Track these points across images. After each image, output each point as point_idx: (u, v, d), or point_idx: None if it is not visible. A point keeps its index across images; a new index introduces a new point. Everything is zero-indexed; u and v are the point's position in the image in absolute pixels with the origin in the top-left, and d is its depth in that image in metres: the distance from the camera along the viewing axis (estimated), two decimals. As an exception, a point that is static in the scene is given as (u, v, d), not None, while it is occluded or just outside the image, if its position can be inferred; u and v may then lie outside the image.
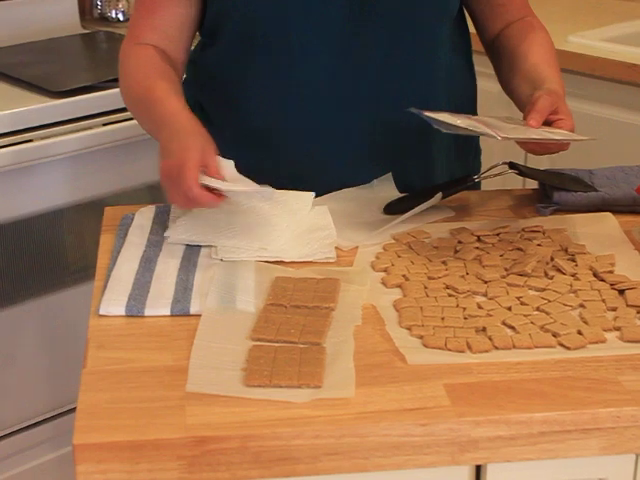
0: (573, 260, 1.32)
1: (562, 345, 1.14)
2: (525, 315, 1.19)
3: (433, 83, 1.54)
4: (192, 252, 1.33)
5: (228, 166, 1.32)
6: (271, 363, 1.09)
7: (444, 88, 1.56)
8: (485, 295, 1.24)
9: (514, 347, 1.13)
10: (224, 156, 1.33)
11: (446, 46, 1.55)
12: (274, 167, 1.51)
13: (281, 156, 1.52)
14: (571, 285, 1.26)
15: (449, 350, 1.13)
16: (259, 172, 1.36)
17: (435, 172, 1.58)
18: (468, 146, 1.66)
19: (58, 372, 2.17)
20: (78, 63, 2.45)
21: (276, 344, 1.13)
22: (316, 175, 1.50)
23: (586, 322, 1.18)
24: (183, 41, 1.53)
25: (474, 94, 1.66)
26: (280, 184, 1.41)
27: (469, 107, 1.63)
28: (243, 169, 1.33)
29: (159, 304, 1.21)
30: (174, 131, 1.33)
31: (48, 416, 2.20)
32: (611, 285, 1.26)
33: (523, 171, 1.49)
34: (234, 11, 1.47)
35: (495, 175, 1.50)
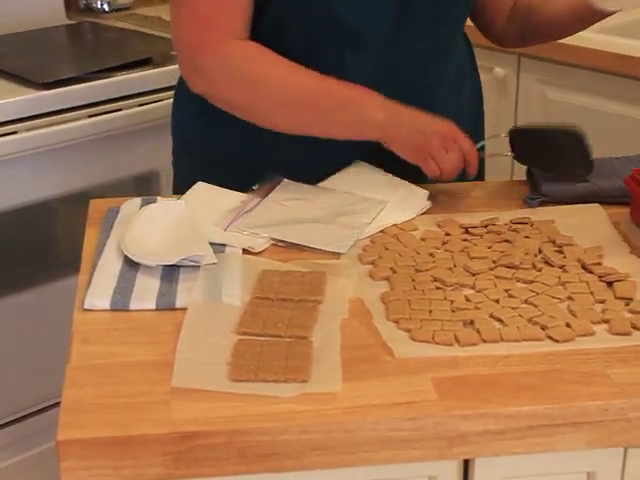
0: (561, 252, 1.31)
1: (550, 338, 1.13)
2: (513, 308, 1.19)
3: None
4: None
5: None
6: (257, 357, 1.08)
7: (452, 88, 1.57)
8: (473, 288, 1.23)
9: (502, 340, 1.13)
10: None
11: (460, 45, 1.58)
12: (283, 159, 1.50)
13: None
14: (559, 277, 1.25)
15: (437, 343, 1.12)
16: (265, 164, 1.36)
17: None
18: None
19: (44, 366, 2.16)
20: (63, 54, 2.43)
21: (262, 338, 1.12)
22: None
23: (574, 315, 1.17)
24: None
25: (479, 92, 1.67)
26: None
27: (475, 105, 1.65)
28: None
29: (144, 298, 1.20)
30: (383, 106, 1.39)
31: (33, 410, 2.20)
32: (599, 277, 1.25)
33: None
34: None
35: (491, 156, 1.54)
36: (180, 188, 1.56)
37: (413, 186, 1.45)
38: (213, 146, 1.56)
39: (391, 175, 1.47)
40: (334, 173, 1.48)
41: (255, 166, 1.49)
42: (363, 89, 1.41)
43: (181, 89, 1.58)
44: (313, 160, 1.48)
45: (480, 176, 1.56)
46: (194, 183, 1.47)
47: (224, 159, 1.53)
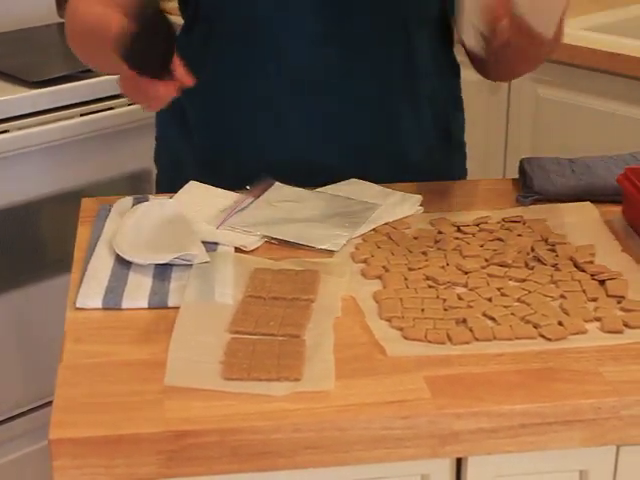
0: (553, 250, 1.31)
1: (543, 336, 1.13)
2: (505, 306, 1.19)
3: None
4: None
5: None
6: (250, 356, 1.08)
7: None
8: (465, 286, 1.23)
9: (495, 338, 1.13)
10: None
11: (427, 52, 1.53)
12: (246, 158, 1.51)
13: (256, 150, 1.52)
14: (552, 276, 1.25)
15: (429, 342, 1.12)
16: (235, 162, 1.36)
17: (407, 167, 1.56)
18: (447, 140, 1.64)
19: (36, 364, 2.16)
20: (55, 53, 2.43)
21: (255, 337, 1.12)
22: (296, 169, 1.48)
23: (567, 313, 1.18)
24: None
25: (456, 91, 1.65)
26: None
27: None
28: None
29: (137, 296, 1.20)
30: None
31: (28, 408, 2.19)
32: (592, 275, 1.25)
33: None
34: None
35: None
36: (160, 182, 1.58)
37: (406, 194, 1.45)
38: (179, 139, 1.58)
39: (383, 187, 1.47)
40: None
41: (226, 163, 1.51)
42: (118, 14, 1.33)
43: None
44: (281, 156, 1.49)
45: None
46: (172, 178, 1.48)
47: (194, 153, 1.55)
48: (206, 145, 1.54)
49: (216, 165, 1.52)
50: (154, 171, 1.66)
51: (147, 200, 1.41)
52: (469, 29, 1.28)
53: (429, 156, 1.57)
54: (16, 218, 2.10)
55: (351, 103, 1.48)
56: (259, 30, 1.45)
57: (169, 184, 1.52)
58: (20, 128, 2.02)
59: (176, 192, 1.43)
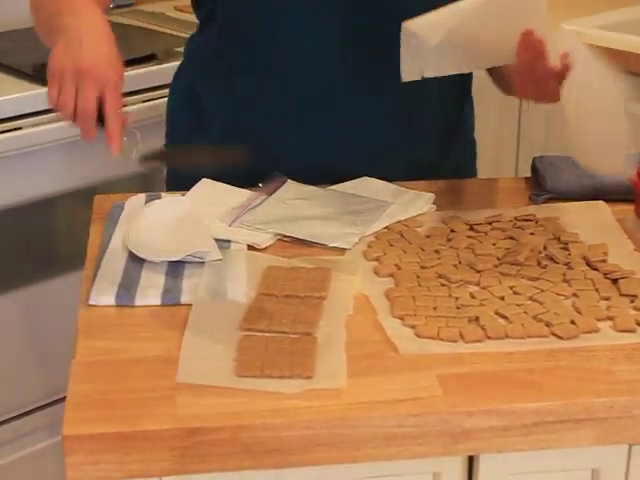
0: (566, 249, 1.31)
1: (555, 335, 1.13)
2: (518, 305, 1.19)
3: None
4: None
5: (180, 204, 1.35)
6: (262, 353, 1.08)
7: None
8: (478, 285, 1.23)
9: (507, 337, 1.13)
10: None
11: None
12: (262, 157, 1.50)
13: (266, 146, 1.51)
14: (564, 274, 1.25)
15: (442, 340, 1.12)
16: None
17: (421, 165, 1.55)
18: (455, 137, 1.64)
19: (50, 360, 2.16)
20: (68, 50, 2.43)
21: (267, 334, 1.12)
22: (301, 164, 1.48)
23: (579, 312, 1.17)
24: None
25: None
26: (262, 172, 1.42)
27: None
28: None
29: (149, 294, 1.20)
30: (86, 19, 1.26)
31: (44, 403, 2.20)
32: (604, 274, 1.25)
33: None
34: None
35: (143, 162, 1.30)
36: (169, 178, 1.58)
37: (418, 192, 1.45)
38: (193, 136, 1.57)
39: (396, 186, 1.47)
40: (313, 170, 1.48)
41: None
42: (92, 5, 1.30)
43: (174, 79, 1.62)
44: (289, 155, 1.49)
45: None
46: (181, 176, 1.49)
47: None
48: (220, 143, 1.54)
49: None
50: (165, 169, 1.67)
51: (160, 198, 1.41)
52: None
53: (443, 156, 1.57)
54: (29, 215, 2.10)
55: (366, 103, 1.48)
56: (275, 31, 1.45)
57: (178, 182, 1.52)
58: (34, 125, 2.02)
59: (187, 190, 1.44)
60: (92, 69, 1.21)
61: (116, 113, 1.21)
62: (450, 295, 1.21)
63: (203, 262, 1.26)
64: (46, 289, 2.16)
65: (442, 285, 1.23)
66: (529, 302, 1.20)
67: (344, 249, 1.31)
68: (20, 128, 2.02)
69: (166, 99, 1.68)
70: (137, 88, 2.13)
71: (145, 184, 2.14)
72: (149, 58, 2.19)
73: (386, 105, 1.49)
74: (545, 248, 1.31)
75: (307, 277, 1.23)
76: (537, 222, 1.38)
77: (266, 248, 1.32)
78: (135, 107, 2.13)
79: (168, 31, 2.38)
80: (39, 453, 2.24)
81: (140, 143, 1.22)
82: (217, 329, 1.14)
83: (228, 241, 1.32)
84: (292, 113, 1.49)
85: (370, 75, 1.47)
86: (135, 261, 1.26)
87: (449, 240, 1.34)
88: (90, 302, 1.20)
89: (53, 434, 2.18)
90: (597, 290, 1.22)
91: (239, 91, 1.50)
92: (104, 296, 1.20)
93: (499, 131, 2.60)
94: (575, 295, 1.21)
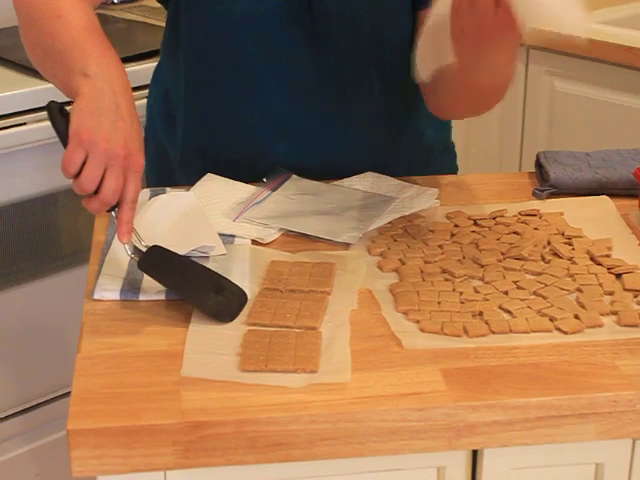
0: (570, 244, 1.31)
1: (559, 329, 1.13)
2: (522, 299, 1.19)
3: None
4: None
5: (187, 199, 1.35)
6: (267, 348, 1.08)
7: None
8: (482, 279, 1.23)
9: (511, 331, 1.13)
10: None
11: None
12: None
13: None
14: (568, 269, 1.25)
15: (445, 335, 1.12)
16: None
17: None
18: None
19: (53, 356, 2.17)
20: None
21: (272, 329, 1.13)
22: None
23: (583, 306, 1.18)
24: None
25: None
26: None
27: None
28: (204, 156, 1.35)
29: (154, 289, 1.21)
30: (108, 69, 1.17)
31: (43, 400, 2.20)
32: (608, 269, 1.25)
33: None
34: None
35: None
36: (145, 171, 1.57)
37: (422, 187, 1.45)
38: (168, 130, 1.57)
39: (400, 181, 1.47)
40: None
41: (208, 156, 1.50)
42: (103, 39, 1.22)
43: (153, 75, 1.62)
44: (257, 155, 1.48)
45: None
46: (155, 167, 1.50)
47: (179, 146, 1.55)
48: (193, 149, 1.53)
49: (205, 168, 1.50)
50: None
51: (164, 192, 1.42)
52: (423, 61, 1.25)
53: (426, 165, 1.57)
54: (34, 211, 2.10)
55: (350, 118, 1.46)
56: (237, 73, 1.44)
57: (156, 179, 1.52)
58: (38, 121, 2.02)
59: (162, 186, 1.44)
60: (125, 156, 1.14)
61: (133, 203, 1.16)
62: (454, 290, 1.21)
63: (207, 257, 1.26)
64: (51, 284, 2.16)
65: (446, 280, 1.23)
66: (533, 297, 1.20)
67: (348, 244, 1.32)
68: (24, 123, 2.02)
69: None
70: (141, 84, 2.13)
71: (148, 179, 2.15)
72: (153, 54, 2.19)
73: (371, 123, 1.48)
74: (549, 243, 1.31)
75: (311, 272, 1.23)
76: (541, 217, 1.38)
77: (270, 243, 1.32)
78: (139, 102, 2.13)
79: (172, 26, 2.37)
80: (44, 448, 2.24)
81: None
82: (221, 324, 1.14)
83: (232, 236, 1.32)
84: (276, 121, 1.47)
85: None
86: (139, 256, 1.26)
87: (453, 235, 1.34)
88: (94, 297, 1.20)
89: (63, 427, 2.18)
90: (601, 285, 1.22)
91: (202, 108, 1.50)
92: (108, 291, 1.20)
93: (503, 126, 2.60)
94: (579, 290, 1.21)
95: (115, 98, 1.16)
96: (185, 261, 1.19)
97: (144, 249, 1.19)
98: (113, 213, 1.17)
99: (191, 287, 1.15)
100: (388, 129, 1.43)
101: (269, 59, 1.42)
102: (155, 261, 1.18)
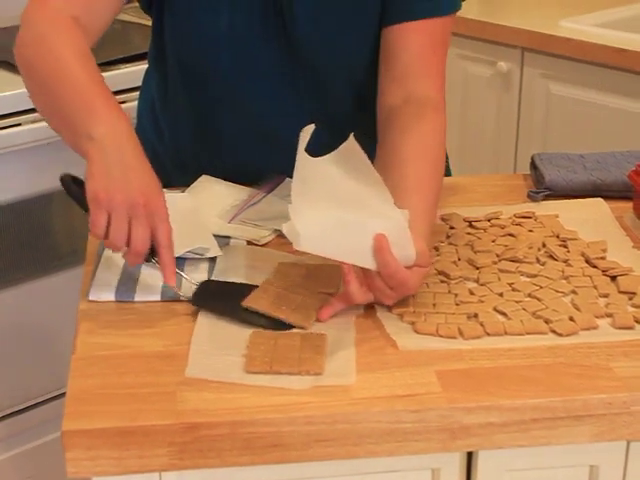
0: (565, 246, 1.32)
1: (554, 331, 1.14)
2: (517, 301, 1.19)
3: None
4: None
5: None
6: (272, 349, 1.08)
7: None
8: (477, 281, 1.24)
9: (506, 333, 1.13)
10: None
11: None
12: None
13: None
14: (563, 271, 1.26)
15: (440, 336, 1.12)
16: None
17: None
18: None
19: (48, 357, 2.16)
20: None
21: (277, 330, 1.13)
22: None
23: (578, 308, 1.18)
24: (106, 17, 1.36)
25: None
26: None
27: None
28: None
29: (149, 290, 1.21)
30: (114, 128, 1.18)
31: (45, 398, 2.20)
32: (603, 271, 1.26)
33: None
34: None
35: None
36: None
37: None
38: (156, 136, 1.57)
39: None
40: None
41: (199, 162, 1.50)
42: (108, 98, 1.22)
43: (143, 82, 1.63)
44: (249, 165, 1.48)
45: None
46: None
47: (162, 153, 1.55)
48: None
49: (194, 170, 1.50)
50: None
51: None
52: None
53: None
54: (29, 211, 2.10)
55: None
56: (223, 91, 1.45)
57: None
58: (33, 122, 2.02)
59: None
60: (145, 203, 1.14)
61: (169, 246, 1.16)
62: (449, 291, 1.21)
63: (203, 258, 1.26)
64: (45, 285, 2.16)
65: (441, 282, 1.23)
66: (528, 299, 1.20)
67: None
68: (19, 124, 2.02)
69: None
70: (136, 85, 2.13)
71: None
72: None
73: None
74: (544, 245, 1.32)
75: (316, 273, 1.23)
76: (536, 219, 1.39)
77: (265, 244, 1.32)
78: (134, 104, 2.13)
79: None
80: (38, 449, 2.24)
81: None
82: (227, 325, 1.14)
83: (227, 237, 1.32)
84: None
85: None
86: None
87: (448, 237, 1.34)
88: (90, 298, 1.20)
89: (56, 429, 2.18)
90: (596, 287, 1.22)
91: (185, 121, 1.51)
92: (104, 292, 1.20)
93: (498, 128, 2.61)
94: (574, 292, 1.22)
95: (121, 150, 1.16)
96: (235, 287, 1.20)
97: (193, 286, 1.20)
98: (155, 263, 1.17)
99: (242, 312, 1.16)
100: (372, 140, 1.43)
101: (248, 76, 1.43)
102: (206, 295, 1.19)
